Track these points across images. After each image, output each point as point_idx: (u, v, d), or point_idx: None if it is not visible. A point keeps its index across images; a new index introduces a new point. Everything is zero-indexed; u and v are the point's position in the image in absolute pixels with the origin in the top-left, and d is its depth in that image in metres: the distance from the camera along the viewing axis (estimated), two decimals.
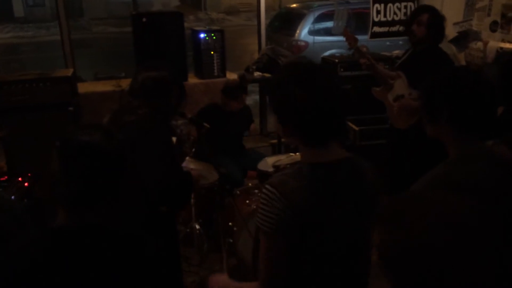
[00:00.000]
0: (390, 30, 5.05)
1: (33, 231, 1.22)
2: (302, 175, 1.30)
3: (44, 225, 1.59)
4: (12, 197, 2.56)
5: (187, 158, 2.96)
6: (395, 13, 5.00)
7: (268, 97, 1.44)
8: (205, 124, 2.50)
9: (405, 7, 4.98)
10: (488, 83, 1.48)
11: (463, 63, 4.32)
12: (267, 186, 1.29)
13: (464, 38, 4.43)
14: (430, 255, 0.72)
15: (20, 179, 2.97)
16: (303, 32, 7.97)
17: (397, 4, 4.96)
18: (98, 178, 1.12)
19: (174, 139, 2.37)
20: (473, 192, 0.86)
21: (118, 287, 1.12)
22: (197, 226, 3.30)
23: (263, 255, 1.33)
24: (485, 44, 4.12)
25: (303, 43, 7.93)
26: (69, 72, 3.82)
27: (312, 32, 7.93)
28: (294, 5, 9.62)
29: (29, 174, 3.02)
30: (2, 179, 3.02)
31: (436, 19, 3.10)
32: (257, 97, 6.14)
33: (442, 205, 0.77)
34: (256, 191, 3.21)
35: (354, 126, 4.14)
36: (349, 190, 1.34)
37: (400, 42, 6.38)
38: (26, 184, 2.95)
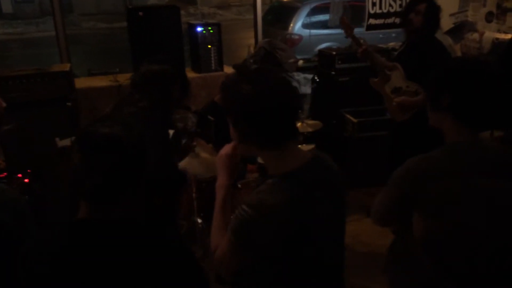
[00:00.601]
0: (386, 22, 5.07)
1: (56, 225, 1.22)
2: (277, 190, 1.26)
3: (45, 222, 1.58)
4: None
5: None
6: (390, 5, 5.02)
7: (221, 101, 1.44)
8: (210, 117, 2.50)
9: None
10: (493, 74, 1.49)
11: (459, 54, 4.35)
12: (243, 206, 1.26)
13: (460, 29, 4.46)
14: (475, 237, 0.73)
15: (20, 175, 2.94)
16: (297, 26, 7.97)
17: None
18: (120, 170, 1.12)
19: (171, 132, 2.37)
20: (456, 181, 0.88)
21: (143, 281, 1.12)
22: (199, 220, 3.29)
23: (224, 249, 1.32)
24: (481, 35, 4.16)
25: (297, 37, 7.92)
26: (66, 67, 3.79)
27: (307, 25, 7.92)
28: None
29: (28, 171, 2.99)
30: (1, 175, 2.99)
31: (433, 8, 3.13)
32: None
33: (488, 190, 0.78)
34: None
35: (352, 118, 4.15)
36: (323, 188, 1.34)
37: (393, 35, 6.41)
38: (26, 180, 2.92)
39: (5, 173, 3.12)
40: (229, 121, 1.35)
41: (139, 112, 2.12)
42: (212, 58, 4.43)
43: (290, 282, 1.33)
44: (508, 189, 0.79)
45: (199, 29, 4.33)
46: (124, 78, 4.01)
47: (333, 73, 4.40)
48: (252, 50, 4.97)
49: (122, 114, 2.12)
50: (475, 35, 4.23)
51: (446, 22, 4.49)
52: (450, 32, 4.50)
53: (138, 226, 1.19)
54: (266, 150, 1.32)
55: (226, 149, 1.43)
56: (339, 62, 4.36)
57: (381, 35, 6.55)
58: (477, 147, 1.49)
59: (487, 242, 0.72)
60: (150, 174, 2.02)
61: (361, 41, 3.55)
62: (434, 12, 3.13)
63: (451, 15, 4.47)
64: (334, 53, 4.45)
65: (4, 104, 1.58)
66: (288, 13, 8.33)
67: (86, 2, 18.25)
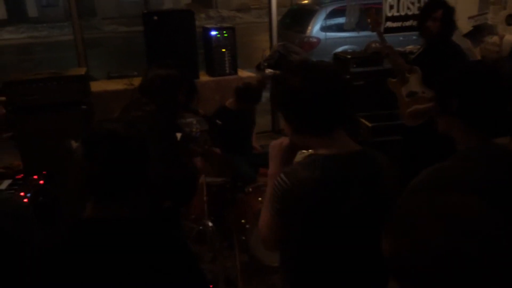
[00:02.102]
0: (404, 25, 5.00)
1: (62, 224, 1.26)
2: (315, 166, 1.31)
3: (57, 224, 1.61)
4: (28, 194, 2.59)
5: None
6: (408, 7, 4.94)
7: (271, 96, 1.48)
8: (218, 121, 2.50)
9: (419, 1, 4.92)
10: (502, 78, 1.45)
11: (479, 57, 4.25)
12: (281, 175, 1.34)
13: (479, 32, 4.36)
14: (449, 263, 0.70)
15: (35, 177, 3.00)
16: (315, 29, 7.92)
17: None
18: (120, 162, 1.16)
19: (178, 135, 2.39)
20: (468, 190, 0.84)
21: (149, 283, 1.14)
22: (210, 223, 3.30)
23: (265, 217, 1.42)
24: (501, 38, 4.05)
25: (315, 40, 7.88)
26: (82, 71, 3.85)
27: (324, 28, 7.88)
28: (306, 1, 9.56)
29: (44, 172, 3.06)
30: (18, 177, 3.06)
31: (450, 13, 3.08)
32: (267, 94, 6.12)
33: (459, 209, 0.74)
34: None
35: (367, 123, 4.10)
36: (361, 180, 1.35)
37: (414, 37, 6.29)
38: (41, 182, 2.98)
39: (22, 175, 3.20)
40: (280, 116, 1.43)
41: (146, 115, 2.15)
42: (226, 62, 4.44)
43: (317, 261, 1.37)
44: (482, 211, 0.75)
45: (213, 33, 4.36)
46: (139, 82, 4.05)
47: (348, 76, 4.35)
48: (266, 53, 4.96)
49: (129, 118, 2.16)
50: (495, 38, 4.12)
51: (465, 25, 4.40)
52: (469, 35, 4.39)
53: (140, 226, 1.21)
54: (316, 137, 1.37)
55: (282, 139, 1.49)
56: (354, 66, 4.32)
57: (401, 38, 6.46)
58: (487, 154, 1.44)
59: (451, 261, 0.69)
60: (159, 176, 2.06)
61: (374, 45, 3.51)
62: (451, 16, 3.09)
63: (470, 18, 4.37)
64: (349, 56, 4.41)
65: (4, 111, 1.61)
66: (306, 16, 8.30)
67: (108, 6, 18.60)
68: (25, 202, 1.51)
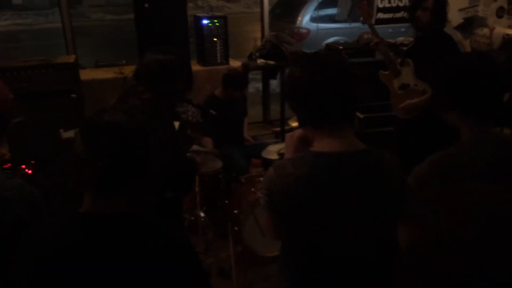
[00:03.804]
0: (395, 16, 5.00)
1: (61, 217, 1.23)
2: (303, 163, 1.28)
3: (50, 213, 1.58)
4: None
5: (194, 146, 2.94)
6: None
7: (283, 90, 1.48)
8: (212, 112, 2.47)
9: None
10: (490, 66, 1.47)
11: (469, 49, 4.28)
12: (270, 167, 1.34)
13: (469, 25, 4.38)
14: (465, 248, 0.70)
15: (23, 166, 2.95)
16: (305, 19, 7.90)
17: None
18: (123, 154, 1.14)
19: (176, 124, 2.34)
20: (476, 177, 0.84)
21: (149, 277, 1.13)
22: (202, 214, 3.29)
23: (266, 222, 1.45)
24: (491, 30, 4.08)
25: (304, 31, 7.86)
26: (72, 58, 3.79)
27: (314, 19, 7.85)
28: None
29: (32, 162, 3.01)
30: (5, 166, 3.00)
31: (440, 3, 3.08)
32: (259, 85, 6.09)
33: (475, 196, 0.74)
34: (261, 179, 3.20)
35: (359, 114, 4.11)
36: (360, 186, 1.27)
37: (403, 29, 6.33)
38: (29, 171, 2.93)
39: (9, 164, 3.14)
40: (291, 108, 1.41)
41: (144, 104, 2.09)
42: (218, 51, 4.40)
43: (306, 258, 1.35)
44: (502, 197, 0.75)
45: (205, 21, 4.31)
46: (129, 70, 4.00)
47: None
48: (258, 43, 4.93)
49: (127, 106, 2.10)
50: (485, 31, 4.15)
51: (456, 17, 4.42)
52: (459, 28, 4.42)
53: (140, 220, 1.19)
54: (315, 131, 1.34)
55: (297, 130, 1.47)
56: (346, 56, 4.31)
57: (390, 30, 6.47)
58: (491, 143, 1.45)
59: (474, 251, 0.69)
60: (160, 167, 2.03)
61: (366, 36, 3.50)
62: (441, 6, 3.09)
63: (461, 10, 4.39)
64: (341, 47, 4.40)
65: (11, 96, 1.56)
66: (296, 6, 8.26)
67: None
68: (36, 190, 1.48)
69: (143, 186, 1.23)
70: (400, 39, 5.00)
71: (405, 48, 3.55)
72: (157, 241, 1.16)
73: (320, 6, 7.89)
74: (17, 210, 1.33)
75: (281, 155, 3.10)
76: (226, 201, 2.81)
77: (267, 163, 3.28)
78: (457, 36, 4.34)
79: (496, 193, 0.74)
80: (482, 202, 0.73)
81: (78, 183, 1.17)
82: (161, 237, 1.18)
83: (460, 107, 1.47)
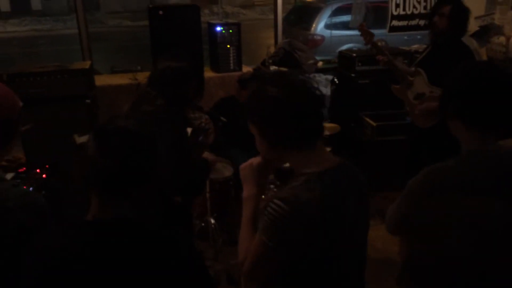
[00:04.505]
0: (409, 24, 4.97)
1: (66, 225, 1.24)
2: (311, 186, 1.25)
3: (62, 217, 1.59)
4: (31, 188, 2.58)
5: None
6: (414, 6, 4.91)
7: (247, 109, 1.37)
8: (222, 118, 2.48)
9: (425, 0, 4.89)
10: (497, 76, 1.43)
11: (485, 58, 4.23)
12: (276, 201, 1.25)
13: (485, 33, 4.34)
14: (465, 264, 0.68)
15: (38, 170, 2.99)
16: (319, 26, 7.90)
17: None
18: (130, 158, 1.16)
19: (189, 130, 2.36)
20: (470, 191, 0.83)
21: (152, 286, 1.13)
22: (212, 220, 3.29)
23: (256, 254, 1.30)
24: (508, 38, 4.03)
25: (319, 37, 7.86)
26: (87, 64, 3.84)
27: (329, 26, 7.85)
28: None
29: (46, 166, 3.05)
30: (20, 170, 3.05)
31: (459, 11, 3.03)
32: None
33: (474, 210, 0.73)
34: (272, 186, 3.19)
35: (371, 122, 4.08)
36: (352, 192, 1.34)
37: (418, 37, 6.28)
38: (44, 175, 2.97)
39: (24, 168, 3.19)
40: (254, 131, 1.35)
41: (157, 110, 2.12)
42: (231, 58, 4.42)
43: (315, 282, 1.33)
44: (496, 212, 0.74)
45: (218, 28, 4.33)
46: (143, 77, 4.03)
47: (353, 75, 4.33)
48: (271, 50, 4.94)
49: (140, 113, 2.13)
50: (502, 39, 4.10)
51: (472, 25, 4.37)
52: (475, 35, 4.37)
53: (147, 228, 1.20)
54: (297, 151, 1.31)
55: (252, 160, 1.43)
56: (359, 64, 4.30)
57: (405, 37, 6.44)
58: (488, 156, 1.42)
59: (469, 268, 0.68)
60: (169, 172, 2.05)
61: (380, 44, 3.48)
62: (460, 14, 3.04)
63: (477, 18, 4.35)
64: (354, 55, 4.38)
65: (20, 103, 1.59)
66: (311, 13, 8.27)
67: (112, 0, 18.56)
68: (42, 197, 1.49)
69: (150, 192, 1.24)
70: (415, 46, 4.96)
71: (418, 56, 3.52)
72: (160, 250, 1.16)
73: (335, 13, 7.88)
74: (21, 218, 1.34)
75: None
76: (237, 208, 2.81)
77: (278, 170, 3.27)
78: (473, 44, 4.29)
79: (491, 207, 0.73)
80: (475, 215, 0.72)
81: (86, 184, 1.18)
82: (164, 245, 1.18)
83: (461, 117, 1.44)
